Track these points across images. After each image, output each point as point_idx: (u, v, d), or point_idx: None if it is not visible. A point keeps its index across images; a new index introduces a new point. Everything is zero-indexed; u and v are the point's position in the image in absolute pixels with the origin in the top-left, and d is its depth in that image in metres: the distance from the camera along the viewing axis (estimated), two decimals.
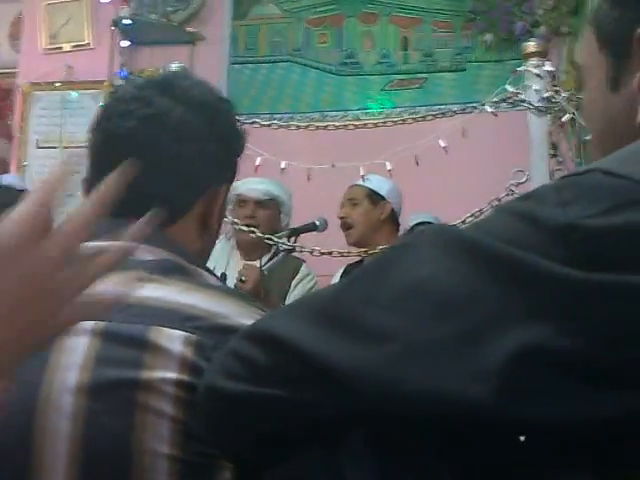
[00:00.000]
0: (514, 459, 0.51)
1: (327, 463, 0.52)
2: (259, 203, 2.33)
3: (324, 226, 2.32)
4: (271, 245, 2.24)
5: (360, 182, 2.31)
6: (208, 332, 0.65)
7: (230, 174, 0.84)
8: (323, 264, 2.37)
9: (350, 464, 0.50)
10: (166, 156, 0.75)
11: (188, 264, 0.73)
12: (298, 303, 0.58)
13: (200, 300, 0.68)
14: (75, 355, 0.64)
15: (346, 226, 2.37)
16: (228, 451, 0.61)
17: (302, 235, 2.27)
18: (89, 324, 0.64)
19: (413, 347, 0.48)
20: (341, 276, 2.39)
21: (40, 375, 0.64)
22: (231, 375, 0.54)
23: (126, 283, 0.52)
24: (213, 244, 0.85)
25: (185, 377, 0.63)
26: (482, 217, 0.61)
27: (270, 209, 2.33)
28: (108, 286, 0.49)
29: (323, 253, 2.21)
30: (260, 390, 0.52)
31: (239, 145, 0.84)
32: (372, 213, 2.36)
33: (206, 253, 0.83)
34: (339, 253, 2.27)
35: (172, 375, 0.62)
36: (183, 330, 0.64)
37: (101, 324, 0.65)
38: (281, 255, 2.27)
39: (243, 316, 0.67)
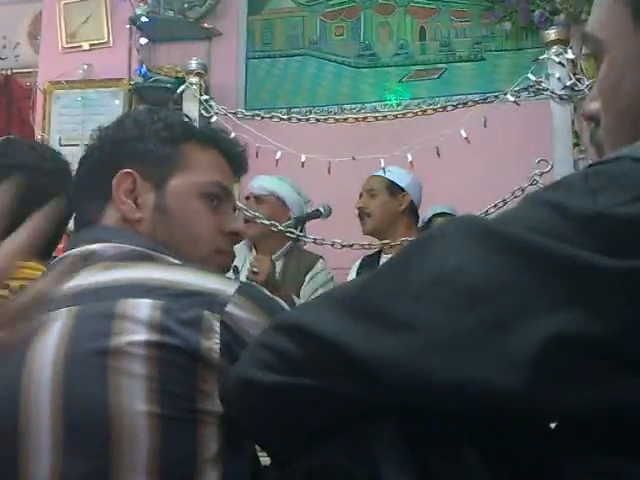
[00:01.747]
0: (544, 446, 0.51)
1: (358, 450, 0.52)
2: (257, 198, 2.36)
3: (328, 213, 2.33)
4: (283, 238, 2.25)
5: (380, 173, 2.30)
6: (174, 297, 0.69)
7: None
8: (343, 258, 2.37)
9: (381, 451, 0.51)
10: None
11: (153, 252, 0.77)
12: (327, 295, 0.58)
13: (164, 274, 0.72)
14: (53, 335, 0.69)
15: (363, 216, 2.35)
16: (261, 440, 0.62)
17: (321, 227, 2.28)
18: (64, 309, 0.70)
19: (442, 337, 0.48)
20: (358, 268, 2.39)
21: (24, 355, 0.69)
22: (262, 366, 0.55)
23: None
24: (180, 229, 0.83)
25: (155, 337, 0.66)
26: (507, 208, 0.61)
27: (268, 204, 2.33)
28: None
29: (344, 246, 2.21)
30: (291, 380, 0.53)
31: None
32: (390, 204, 2.34)
33: (175, 241, 0.82)
34: (360, 246, 2.27)
35: (141, 337, 0.66)
36: (149, 298, 0.69)
37: (75, 308, 0.71)
38: (288, 245, 2.27)
39: (208, 281, 0.71)
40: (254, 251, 2.38)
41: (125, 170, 0.83)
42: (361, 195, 2.39)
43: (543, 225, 0.48)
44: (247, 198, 2.37)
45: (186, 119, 0.92)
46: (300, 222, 2.30)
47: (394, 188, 2.35)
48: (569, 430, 0.51)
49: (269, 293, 0.78)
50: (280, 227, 2.19)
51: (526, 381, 0.45)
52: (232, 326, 0.68)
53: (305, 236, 2.23)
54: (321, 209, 2.33)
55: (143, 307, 0.68)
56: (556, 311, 0.46)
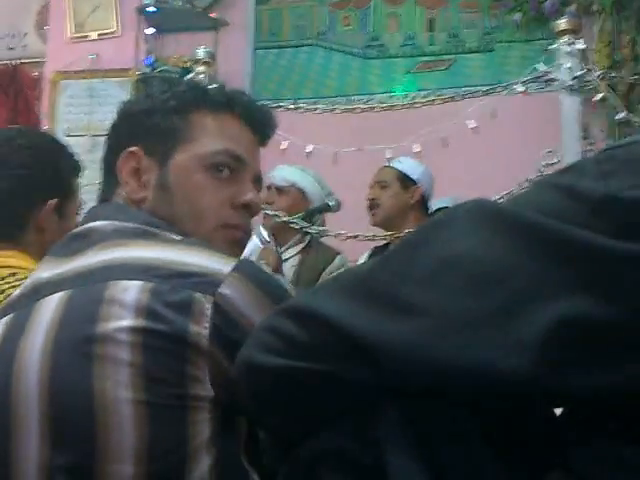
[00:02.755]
0: (550, 429, 0.51)
1: (363, 435, 0.52)
2: (279, 189, 2.34)
3: (337, 206, 2.32)
4: (295, 230, 2.25)
5: (392, 164, 2.28)
6: (165, 279, 0.67)
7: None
8: (350, 249, 2.37)
9: (386, 435, 0.51)
10: None
11: (154, 229, 0.75)
12: (333, 280, 0.58)
13: (160, 253, 0.70)
14: (43, 321, 0.68)
15: (373, 207, 2.33)
16: (266, 423, 0.62)
17: (326, 218, 2.28)
18: (58, 294, 0.69)
19: (449, 320, 0.48)
20: (367, 259, 2.38)
21: (17, 342, 0.69)
22: (268, 350, 0.55)
23: None
24: (183, 206, 0.80)
25: (140, 323, 0.64)
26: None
27: (289, 195, 2.31)
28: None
29: (349, 237, 2.21)
30: (297, 364, 0.53)
31: None
32: (401, 197, 2.31)
33: (178, 218, 0.79)
34: (365, 237, 2.26)
35: (126, 323, 0.64)
36: (140, 280, 0.67)
37: (68, 292, 0.69)
38: (307, 239, 2.27)
39: (204, 260, 0.69)
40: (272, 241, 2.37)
41: (129, 149, 0.81)
42: (372, 186, 2.36)
43: (554, 208, 0.48)
44: (268, 188, 2.34)
45: (201, 84, 0.87)
46: (309, 215, 2.29)
47: (406, 180, 2.31)
48: (574, 414, 0.51)
49: (270, 272, 0.76)
50: (283, 218, 2.19)
51: (534, 364, 0.45)
52: (225, 308, 0.66)
53: (310, 227, 2.23)
54: (330, 202, 2.32)
55: (131, 290, 0.66)
56: (565, 294, 0.46)
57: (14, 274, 1.07)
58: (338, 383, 0.52)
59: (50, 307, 0.69)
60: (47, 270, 0.75)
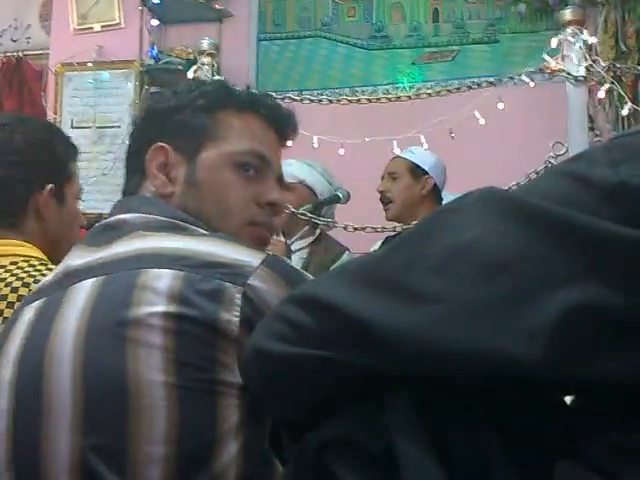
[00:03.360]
0: (560, 417, 0.51)
1: (372, 422, 0.52)
2: (286, 186, 2.31)
3: (347, 198, 2.30)
4: (304, 221, 2.24)
5: (403, 154, 2.25)
6: (195, 268, 0.68)
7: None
8: (358, 241, 2.37)
9: (395, 423, 0.51)
10: None
11: (182, 222, 0.77)
12: (343, 268, 0.58)
13: (190, 244, 0.72)
14: (76, 307, 0.70)
15: (385, 200, 2.29)
16: (275, 411, 0.62)
17: (338, 211, 2.26)
18: (90, 280, 0.71)
19: (459, 307, 0.48)
20: (379, 248, 2.35)
21: (50, 326, 0.71)
22: (278, 338, 0.55)
23: None
24: (211, 202, 0.82)
25: (173, 309, 0.66)
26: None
27: (295, 192, 2.27)
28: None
29: (356, 229, 2.21)
30: (307, 352, 0.53)
31: None
32: (413, 188, 2.27)
33: (206, 214, 0.81)
34: (373, 229, 2.26)
35: (159, 309, 0.66)
36: (172, 268, 0.69)
37: (100, 278, 0.71)
38: (306, 228, 2.26)
39: (234, 252, 0.70)
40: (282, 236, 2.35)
41: (158, 144, 0.83)
42: (383, 177, 2.33)
43: (564, 195, 0.48)
44: None
45: (227, 84, 0.88)
46: (318, 207, 2.27)
47: (417, 171, 2.27)
48: (586, 401, 0.51)
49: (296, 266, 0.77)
50: (292, 210, 2.18)
51: (545, 350, 0.45)
52: (254, 299, 0.68)
53: (318, 219, 2.22)
54: (339, 194, 2.30)
55: (164, 278, 0.68)
56: (577, 281, 0.46)
57: (15, 262, 1.07)
58: (347, 371, 0.52)
59: (83, 292, 0.71)
60: (78, 258, 0.77)
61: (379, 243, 2.33)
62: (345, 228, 2.22)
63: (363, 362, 0.51)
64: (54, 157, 1.17)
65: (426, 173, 2.28)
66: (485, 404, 0.50)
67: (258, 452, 0.67)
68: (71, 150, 1.22)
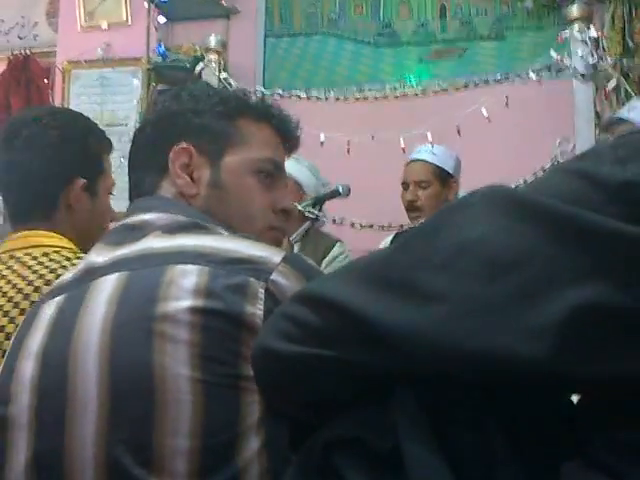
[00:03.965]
0: (565, 416, 0.51)
1: (378, 422, 0.52)
2: None
3: (347, 192, 2.30)
4: (301, 219, 2.24)
5: (424, 157, 2.20)
6: (220, 264, 0.70)
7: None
8: (363, 238, 2.37)
9: (401, 422, 0.51)
10: None
11: (205, 223, 0.78)
12: (349, 266, 0.58)
13: (213, 242, 0.74)
14: (101, 301, 0.71)
15: (413, 208, 2.24)
16: (281, 409, 0.63)
17: (340, 207, 2.25)
18: (114, 275, 0.72)
19: (466, 305, 0.48)
20: (390, 243, 2.35)
21: (74, 321, 0.72)
22: (285, 336, 0.56)
23: None
24: (235, 206, 0.84)
25: (199, 303, 0.67)
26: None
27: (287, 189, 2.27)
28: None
29: (363, 226, 2.20)
30: (313, 350, 0.53)
31: None
32: (442, 195, 2.23)
33: (229, 217, 0.83)
34: (379, 226, 2.26)
35: (185, 304, 0.68)
36: (197, 265, 0.70)
37: (124, 273, 0.73)
38: (305, 226, 2.26)
39: (255, 250, 0.72)
40: None
41: (182, 145, 0.84)
42: (407, 185, 2.27)
43: (571, 193, 0.48)
44: None
45: (241, 94, 0.91)
46: (319, 202, 2.27)
47: (443, 175, 2.23)
48: (593, 400, 0.50)
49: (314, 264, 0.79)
50: (300, 207, 2.18)
51: (551, 349, 0.45)
52: (276, 294, 0.69)
53: (325, 216, 2.22)
54: (340, 188, 2.30)
55: (190, 273, 0.69)
56: (584, 280, 0.45)
57: (46, 254, 1.08)
58: (353, 370, 0.52)
59: (107, 286, 0.72)
60: (100, 255, 0.78)
61: (389, 239, 2.32)
62: (353, 225, 2.22)
63: (368, 361, 0.51)
64: (88, 152, 1.18)
65: (452, 176, 2.25)
66: (491, 403, 0.50)
67: (279, 450, 0.67)
68: (105, 144, 1.23)
